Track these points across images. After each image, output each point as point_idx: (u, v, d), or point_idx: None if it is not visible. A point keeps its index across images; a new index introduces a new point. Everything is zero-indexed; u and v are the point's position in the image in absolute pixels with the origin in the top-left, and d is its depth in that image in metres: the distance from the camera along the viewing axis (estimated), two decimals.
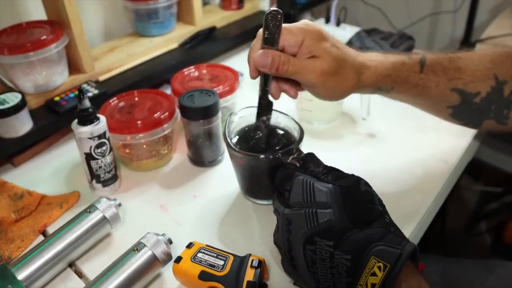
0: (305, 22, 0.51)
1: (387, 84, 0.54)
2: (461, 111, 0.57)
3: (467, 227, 1.46)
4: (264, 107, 0.55)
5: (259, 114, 0.56)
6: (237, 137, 0.61)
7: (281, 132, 0.61)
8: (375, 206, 0.44)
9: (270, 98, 0.55)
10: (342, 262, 0.41)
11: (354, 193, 0.44)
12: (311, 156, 0.50)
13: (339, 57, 0.50)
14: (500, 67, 0.54)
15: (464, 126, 0.61)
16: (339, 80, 0.51)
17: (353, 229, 0.42)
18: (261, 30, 0.50)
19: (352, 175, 0.46)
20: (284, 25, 0.49)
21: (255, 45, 0.51)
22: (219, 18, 1.01)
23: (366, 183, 0.46)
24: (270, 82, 0.53)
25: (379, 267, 0.39)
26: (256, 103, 0.56)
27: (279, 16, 0.47)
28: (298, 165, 0.49)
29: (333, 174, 0.46)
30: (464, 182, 1.56)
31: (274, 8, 0.48)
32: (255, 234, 0.57)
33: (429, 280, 0.64)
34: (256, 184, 0.60)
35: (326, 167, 0.48)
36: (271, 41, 0.49)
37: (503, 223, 1.34)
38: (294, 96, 0.55)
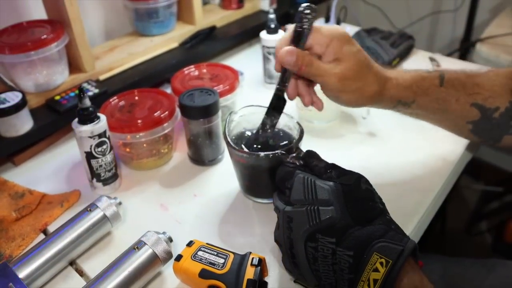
0: (335, 26, 0.53)
1: (408, 96, 0.55)
2: (481, 127, 0.57)
3: (468, 226, 1.46)
4: (277, 104, 0.55)
5: (269, 110, 0.56)
6: (237, 136, 0.61)
7: (281, 131, 0.61)
8: (376, 204, 0.44)
9: (285, 96, 0.55)
10: (344, 259, 0.41)
11: (355, 191, 0.44)
12: (312, 153, 0.50)
13: (363, 62, 0.51)
14: None
15: (484, 144, 0.61)
16: (360, 86, 0.51)
17: (355, 226, 0.42)
18: (292, 26, 0.51)
19: (353, 172, 0.46)
20: (315, 25, 0.50)
21: (284, 39, 0.52)
22: (219, 17, 1.01)
23: (367, 181, 0.46)
24: (289, 79, 0.53)
25: (381, 263, 0.39)
26: (257, 102, 0.56)
27: (314, 13, 0.48)
28: (298, 163, 0.49)
29: (336, 170, 0.46)
30: (464, 181, 1.56)
31: (307, 4, 0.48)
32: (255, 233, 0.58)
33: (429, 278, 0.65)
34: (256, 182, 0.60)
35: (327, 163, 0.48)
36: (301, 37, 0.50)
37: (504, 222, 1.34)
38: (307, 104, 0.55)
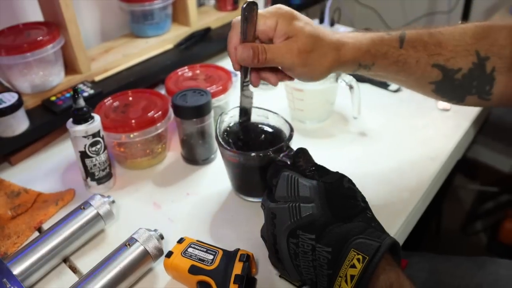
0: (277, 6, 0.51)
1: (367, 59, 0.54)
2: (443, 87, 0.56)
3: (463, 226, 1.47)
4: (246, 99, 0.57)
5: (241, 105, 0.58)
6: (228, 135, 0.62)
7: (271, 130, 0.62)
8: (357, 202, 0.45)
9: (251, 88, 0.56)
10: (323, 255, 0.42)
11: (337, 189, 0.45)
12: (303, 151, 0.50)
13: (314, 34, 0.50)
14: (481, 43, 0.53)
15: (448, 102, 0.60)
16: (317, 57, 0.51)
17: (335, 223, 0.43)
18: (236, 21, 0.51)
19: (337, 172, 0.47)
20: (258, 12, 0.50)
21: (233, 37, 0.51)
22: (214, 19, 1.02)
23: (350, 180, 0.47)
24: (250, 73, 0.54)
25: (358, 259, 0.40)
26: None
27: (255, 7, 0.48)
28: (288, 162, 0.50)
29: (320, 171, 0.47)
30: (460, 181, 1.57)
31: (250, 1, 0.49)
32: (245, 230, 0.59)
33: (418, 275, 0.66)
34: (247, 181, 0.61)
35: (315, 164, 0.49)
36: (248, 33, 0.50)
37: (499, 222, 1.35)
38: (275, 84, 0.56)
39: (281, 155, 0.52)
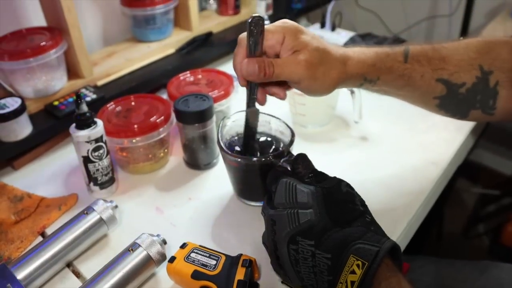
0: (283, 20, 0.52)
1: (372, 74, 0.54)
2: (447, 102, 0.57)
3: (465, 229, 1.47)
4: (252, 115, 0.57)
5: (247, 121, 0.58)
6: (230, 140, 0.62)
7: (273, 135, 0.62)
8: (356, 206, 0.45)
9: (257, 105, 0.56)
10: (323, 261, 0.42)
11: (335, 194, 0.45)
12: (302, 157, 0.50)
13: (321, 47, 0.51)
14: (485, 57, 0.54)
15: (452, 118, 0.60)
16: (325, 70, 0.51)
17: (334, 228, 0.43)
18: (242, 37, 0.51)
19: (335, 177, 0.47)
20: (265, 27, 0.50)
21: (239, 53, 0.51)
22: (216, 23, 1.03)
23: (348, 185, 0.47)
24: (257, 89, 0.54)
25: (357, 265, 0.40)
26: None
27: (261, 22, 0.48)
28: (289, 168, 0.50)
29: (319, 176, 0.47)
30: (462, 184, 1.57)
31: (255, 14, 0.48)
32: (247, 235, 0.59)
33: (421, 279, 0.66)
34: (248, 186, 0.62)
35: (314, 170, 0.49)
36: (255, 47, 0.50)
37: (501, 225, 1.35)
38: (283, 98, 0.56)
39: (282, 160, 0.52)
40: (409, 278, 0.42)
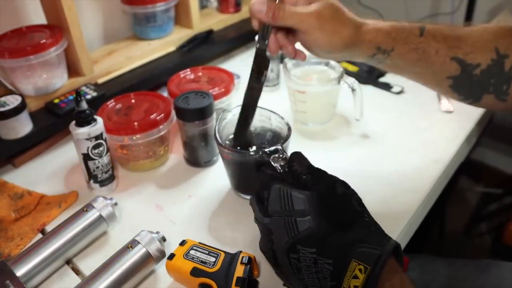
0: None
1: (386, 44, 0.53)
2: (460, 83, 0.55)
3: (467, 228, 1.47)
4: (261, 63, 0.55)
5: (254, 71, 0.55)
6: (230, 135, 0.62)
7: (273, 130, 0.63)
8: (353, 207, 0.44)
9: (268, 53, 0.54)
10: (325, 267, 0.41)
11: (331, 197, 0.44)
12: (296, 155, 0.49)
13: (336, 5, 0.51)
14: (502, 41, 0.53)
15: (463, 102, 0.59)
16: (336, 25, 0.50)
17: (334, 233, 0.42)
18: None
19: (329, 176, 0.46)
20: None
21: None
22: (216, 21, 1.03)
23: (344, 184, 0.46)
24: (269, 34, 0.53)
25: (360, 270, 0.39)
26: None
27: None
28: (280, 166, 0.49)
29: (313, 174, 0.46)
30: (464, 183, 1.56)
31: None
32: (246, 232, 0.59)
33: (414, 277, 0.65)
34: (244, 179, 0.62)
35: (310, 167, 0.48)
36: None
37: (503, 224, 1.35)
38: (292, 53, 0.54)
39: (272, 156, 0.52)
40: (410, 277, 0.41)
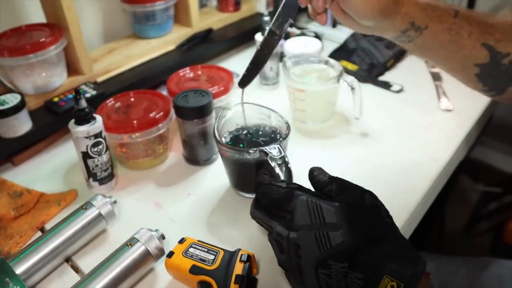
0: None
1: (421, 19, 0.50)
2: (488, 71, 0.54)
3: (467, 227, 1.47)
4: (290, 9, 0.51)
5: (280, 15, 0.52)
6: (231, 134, 0.62)
7: (271, 129, 0.63)
8: (383, 220, 0.43)
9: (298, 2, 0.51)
10: (355, 282, 0.40)
11: (361, 209, 0.42)
12: (316, 167, 0.48)
13: None
14: None
15: (486, 94, 0.58)
16: None
17: (366, 246, 0.40)
18: None
19: (356, 186, 0.45)
20: None
21: None
22: (216, 20, 1.03)
23: (372, 195, 0.44)
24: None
25: (392, 286, 0.38)
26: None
27: None
28: (277, 165, 0.48)
29: (338, 183, 0.45)
30: (464, 182, 1.56)
31: None
32: (245, 230, 0.59)
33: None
34: (243, 177, 0.62)
35: (330, 176, 0.46)
36: None
37: (503, 223, 1.35)
38: (321, 7, 0.51)
39: (269, 156, 0.51)
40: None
